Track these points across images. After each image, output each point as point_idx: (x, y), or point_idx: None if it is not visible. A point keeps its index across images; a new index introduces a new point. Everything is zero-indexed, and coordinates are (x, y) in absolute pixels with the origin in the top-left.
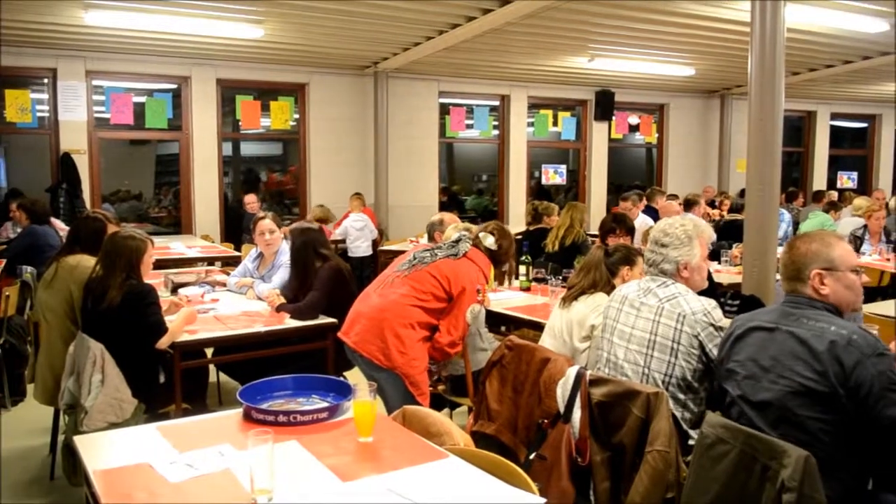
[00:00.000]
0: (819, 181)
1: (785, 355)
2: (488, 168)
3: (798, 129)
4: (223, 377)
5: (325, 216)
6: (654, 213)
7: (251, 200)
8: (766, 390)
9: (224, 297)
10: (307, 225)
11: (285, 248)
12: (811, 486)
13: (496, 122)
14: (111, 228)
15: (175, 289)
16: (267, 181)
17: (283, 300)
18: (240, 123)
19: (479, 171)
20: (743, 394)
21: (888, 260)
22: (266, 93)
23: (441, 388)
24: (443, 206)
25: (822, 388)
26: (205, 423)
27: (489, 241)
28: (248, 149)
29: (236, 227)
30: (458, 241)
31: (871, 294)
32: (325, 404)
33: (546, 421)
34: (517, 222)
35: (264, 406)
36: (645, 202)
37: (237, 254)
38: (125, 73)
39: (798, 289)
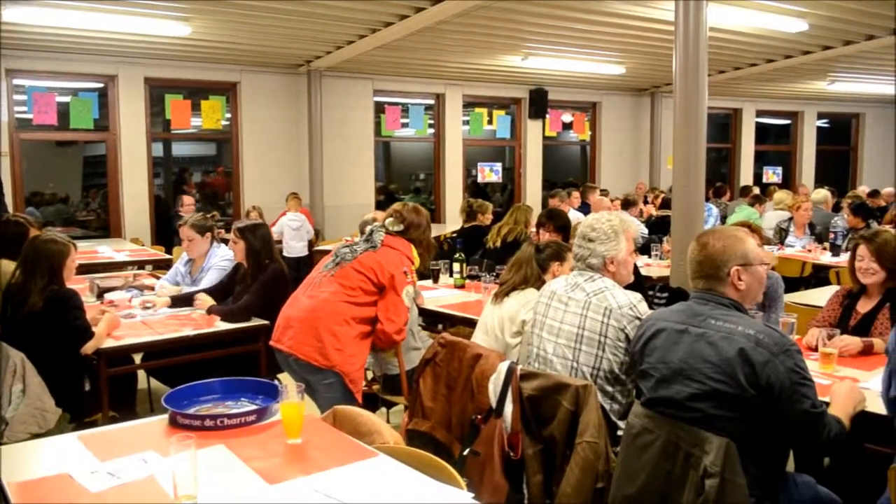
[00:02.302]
0: (746, 176)
1: (695, 358)
2: (425, 167)
3: (725, 126)
4: (156, 383)
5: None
6: (588, 209)
7: (189, 202)
8: (678, 392)
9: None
10: (257, 221)
11: (216, 251)
12: (732, 470)
13: (432, 121)
14: (33, 232)
15: (101, 293)
16: (201, 182)
17: (211, 302)
18: (170, 123)
19: (417, 169)
20: (657, 395)
21: (810, 251)
22: (196, 92)
23: (375, 387)
24: (380, 206)
25: (733, 390)
26: (129, 430)
27: (391, 223)
28: (180, 149)
29: (168, 230)
30: (371, 233)
31: (794, 284)
32: (253, 407)
33: (479, 417)
34: (454, 220)
35: (191, 411)
36: (579, 198)
37: (168, 257)
38: (48, 71)
39: (714, 287)
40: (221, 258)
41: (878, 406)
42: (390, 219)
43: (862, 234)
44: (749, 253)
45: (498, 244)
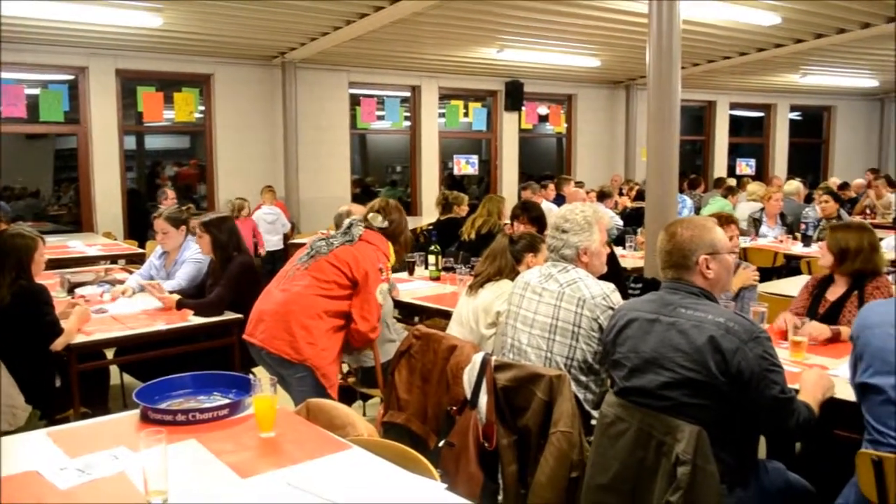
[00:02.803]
0: (720, 168)
1: (666, 347)
2: (402, 159)
3: (699, 119)
4: (130, 378)
5: (241, 207)
6: (563, 201)
7: (171, 196)
8: (650, 381)
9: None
10: (223, 214)
11: (190, 244)
12: (703, 457)
13: (407, 113)
14: (0, 227)
15: (72, 288)
16: (174, 175)
17: (175, 298)
18: (142, 116)
19: (393, 162)
20: (630, 385)
21: (781, 241)
22: (169, 84)
23: (351, 380)
24: (356, 198)
25: (704, 378)
26: (99, 426)
27: (378, 221)
28: (153, 142)
29: (143, 224)
30: (350, 226)
31: (767, 274)
32: (226, 401)
33: (454, 408)
34: (430, 213)
35: (163, 406)
36: (554, 190)
37: (141, 251)
38: (16, 63)
39: (683, 276)
40: (195, 251)
41: (847, 393)
42: (375, 214)
43: (830, 224)
44: (717, 242)
45: (472, 236)
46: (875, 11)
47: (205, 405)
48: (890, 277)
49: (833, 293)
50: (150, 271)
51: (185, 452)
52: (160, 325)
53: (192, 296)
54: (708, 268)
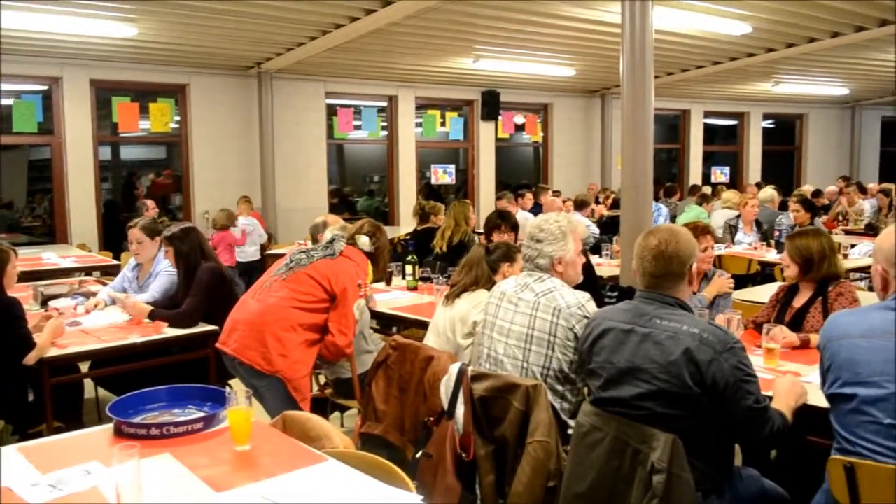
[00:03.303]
0: (695, 176)
1: (641, 358)
2: (379, 169)
3: (674, 127)
4: (105, 392)
5: (228, 221)
6: (541, 210)
7: (153, 206)
8: (626, 392)
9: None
10: (187, 225)
11: (163, 256)
12: (679, 465)
13: (384, 123)
14: None
15: (45, 301)
16: (150, 186)
17: (147, 309)
18: (117, 126)
19: (371, 171)
20: (606, 395)
21: (756, 249)
22: (144, 94)
23: (328, 391)
24: (333, 208)
25: (679, 389)
26: (72, 441)
27: (364, 242)
28: (129, 153)
29: (120, 236)
30: (332, 240)
31: (742, 281)
32: (201, 414)
33: (431, 419)
34: (407, 222)
35: (137, 420)
36: (531, 199)
37: (116, 263)
38: None
39: (671, 283)
40: (169, 263)
41: (819, 399)
42: (362, 236)
43: (791, 233)
44: (696, 249)
45: (444, 248)
46: (844, 21)
47: (179, 419)
48: (862, 283)
49: (798, 301)
50: (123, 284)
51: (160, 467)
52: (135, 338)
53: (166, 308)
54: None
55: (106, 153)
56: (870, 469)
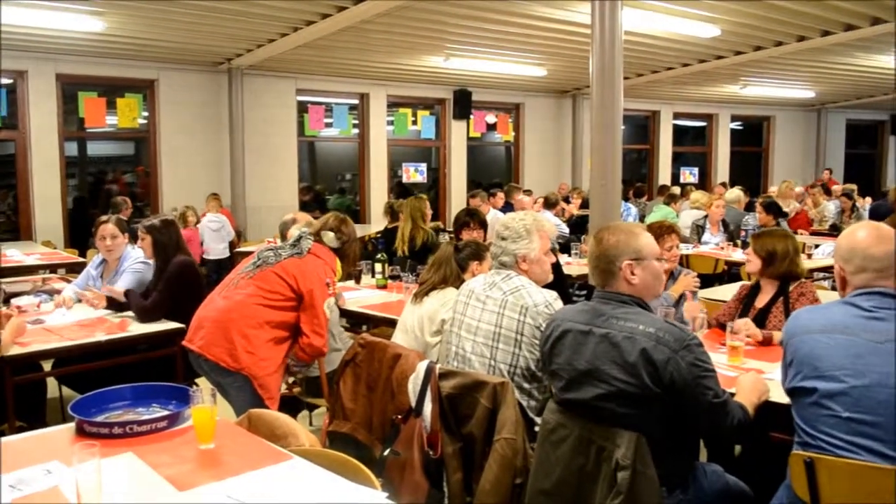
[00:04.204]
0: (664, 176)
1: (600, 359)
2: (351, 167)
3: (644, 128)
4: (70, 391)
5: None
6: (512, 210)
7: (128, 204)
8: (587, 393)
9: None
10: (167, 217)
11: (130, 253)
12: (643, 462)
13: (356, 121)
14: None
15: (7, 299)
16: (115, 181)
17: (121, 291)
18: (84, 122)
19: (342, 169)
20: (567, 397)
21: (722, 248)
22: (112, 89)
23: (296, 390)
24: (305, 206)
25: (638, 389)
26: (33, 440)
27: (330, 238)
28: (96, 148)
29: (88, 232)
30: (299, 238)
31: (709, 280)
32: (165, 413)
33: (399, 416)
34: (378, 221)
35: (100, 418)
36: (503, 198)
37: (82, 260)
38: None
39: (609, 282)
40: (135, 260)
41: (782, 396)
42: (328, 233)
43: (755, 233)
44: (642, 248)
45: (406, 251)
46: (810, 25)
47: (143, 417)
48: (826, 283)
49: (760, 300)
50: (87, 282)
51: (122, 466)
52: (100, 336)
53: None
54: (633, 273)
55: (72, 149)
56: (829, 463)
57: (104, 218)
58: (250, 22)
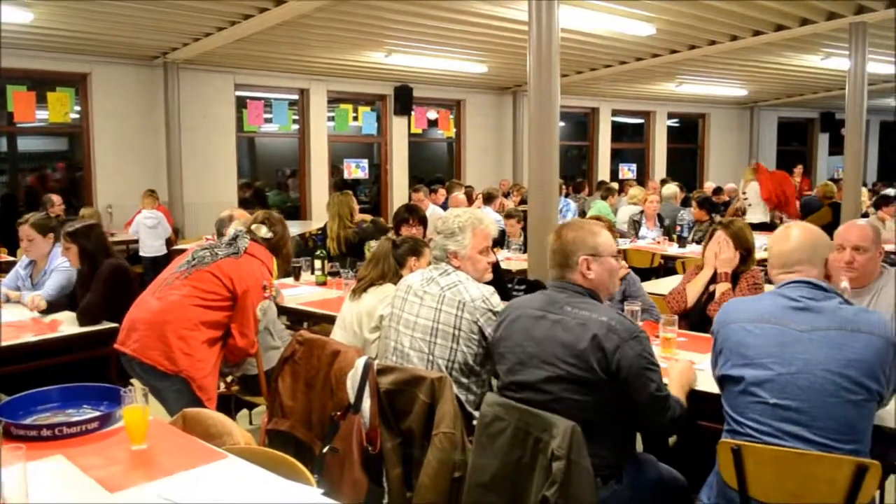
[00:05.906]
0: (604, 172)
1: (549, 342)
2: (292, 163)
3: (584, 125)
4: None
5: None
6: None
7: (58, 201)
8: (532, 375)
9: None
10: (89, 222)
11: (58, 253)
12: (578, 453)
13: (296, 117)
14: None
15: None
16: (44, 178)
17: (45, 304)
18: (13, 116)
19: (283, 165)
20: (513, 379)
21: (659, 243)
22: (42, 83)
23: (234, 389)
24: (245, 202)
25: (585, 374)
26: None
27: (263, 232)
28: (27, 144)
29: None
30: (235, 238)
31: (646, 274)
32: (96, 414)
33: (338, 413)
34: (320, 217)
35: (28, 421)
36: (444, 194)
37: (12, 259)
38: None
39: (566, 275)
40: (64, 260)
41: (709, 385)
42: (259, 225)
43: (720, 221)
44: (600, 245)
45: (337, 251)
46: (742, 25)
47: (73, 419)
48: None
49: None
50: (16, 282)
51: (51, 468)
52: (28, 337)
53: (63, 306)
54: (588, 268)
55: (2, 144)
56: (755, 450)
57: (22, 219)
58: (185, 15)
